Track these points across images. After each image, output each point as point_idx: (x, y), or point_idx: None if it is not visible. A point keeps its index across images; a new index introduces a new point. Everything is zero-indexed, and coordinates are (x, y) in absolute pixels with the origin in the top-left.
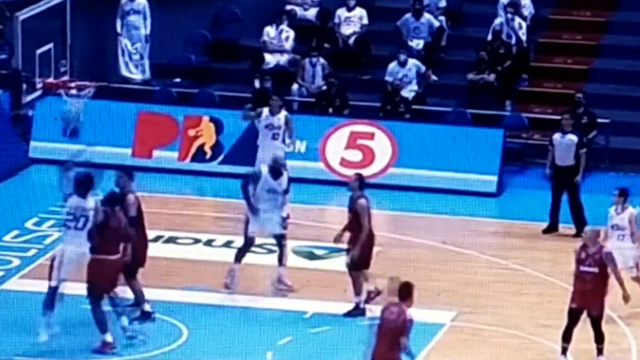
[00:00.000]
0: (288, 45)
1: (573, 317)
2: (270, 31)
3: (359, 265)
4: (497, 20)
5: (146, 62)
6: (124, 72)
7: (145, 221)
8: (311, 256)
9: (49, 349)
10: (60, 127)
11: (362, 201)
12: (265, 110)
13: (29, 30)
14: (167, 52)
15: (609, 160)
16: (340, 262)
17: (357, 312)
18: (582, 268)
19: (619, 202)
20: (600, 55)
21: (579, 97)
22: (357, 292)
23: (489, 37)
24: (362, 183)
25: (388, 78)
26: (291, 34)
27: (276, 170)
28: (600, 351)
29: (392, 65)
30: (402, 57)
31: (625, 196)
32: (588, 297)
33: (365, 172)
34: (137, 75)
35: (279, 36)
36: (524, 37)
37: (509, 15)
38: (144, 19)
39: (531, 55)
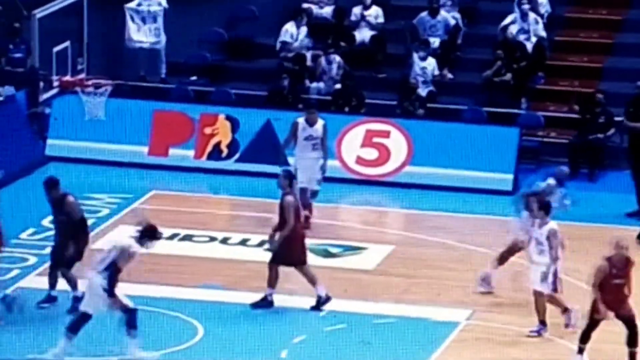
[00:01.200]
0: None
1: (596, 324)
2: (291, 29)
3: (280, 259)
4: (509, 19)
5: (161, 27)
6: (134, 35)
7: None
8: (326, 254)
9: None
10: (70, 125)
11: (288, 198)
12: (302, 121)
13: (46, 28)
14: (183, 51)
15: (624, 159)
16: (355, 261)
17: (264, 303)
18: (615, 281)
19: (538, 215)
20: (616, 54)
21: (600, 98)
22: (271, 285)
23: (501, 37)
24: (291, 181)
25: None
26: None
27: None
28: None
29: (414, 55)
30: (422, 53)
31: (546, 210)
32: (617, 304)
33: (381, 170)
34: (149, 39)
35: (298, 35)
36: (543, 34)
37: (525, 7)
38: (162, 10)
39: (547, 53)
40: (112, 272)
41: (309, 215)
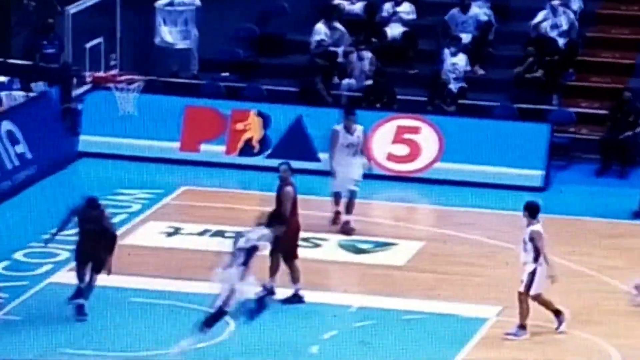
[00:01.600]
0: (343, 41)
1: None
2: (324, 28)
3: (289, 255)
4: (540, 16)
5: (192, 28)
6: (165, 37)
7: None
8: (356, 250)
9: (95, 341)
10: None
11: (288, 188)
12: (341, 129)
13: (79, 24)
14: (215, 47)
15: None
16: (385, 257)
17: (294, 299)
18: None
19: (524, 215)
20: None
21: (628, 96)
22: (295, 280)
23: (533, 34)
24: (291, 172)
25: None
26: (344, 30)
27: None
28: None
29: (446, 51)
30: (453, 49)
31: (530, 211)
32: None
33: (411, 166)
34: (179, 42)
35: (332, 33)
36: (575, 30)
37: (556, 2)
38: (194, 10)
39: (579, 50)
40: (247, 263)
41: (340, 211)
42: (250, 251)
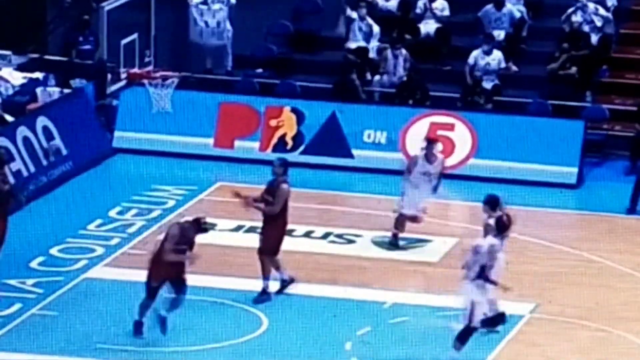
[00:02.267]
0: (373, 36)
1: None
2: (352, 15)
3: (269, 250)
4: (570, 10)
5: (225, 27)
6: (198, 38)
7: None
8: (391, 246)
9: (129, 337)
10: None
11: (285, 186)
12: (421, 158)
13: (114, 20)
14: (249, 44)
15: None
16: (419, 253)
17: (264, 297)
18: None
19: (484, 210)
20: None
21: None
22: (266, 275)
23: (567, 29)
24: (286, 168)
25: (470, 61)
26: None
27: None
28: None
29: (476, 53)
30: (486, 47)
31: (491, 204)
32: None
33: (445, 163)
34: (213, 41)
35: (361, 22)
36: (608, 26)
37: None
38: (227, 10)
39: (613, 46)
40: (484, 276)
41: (397, 233)
42: (481, 272)
